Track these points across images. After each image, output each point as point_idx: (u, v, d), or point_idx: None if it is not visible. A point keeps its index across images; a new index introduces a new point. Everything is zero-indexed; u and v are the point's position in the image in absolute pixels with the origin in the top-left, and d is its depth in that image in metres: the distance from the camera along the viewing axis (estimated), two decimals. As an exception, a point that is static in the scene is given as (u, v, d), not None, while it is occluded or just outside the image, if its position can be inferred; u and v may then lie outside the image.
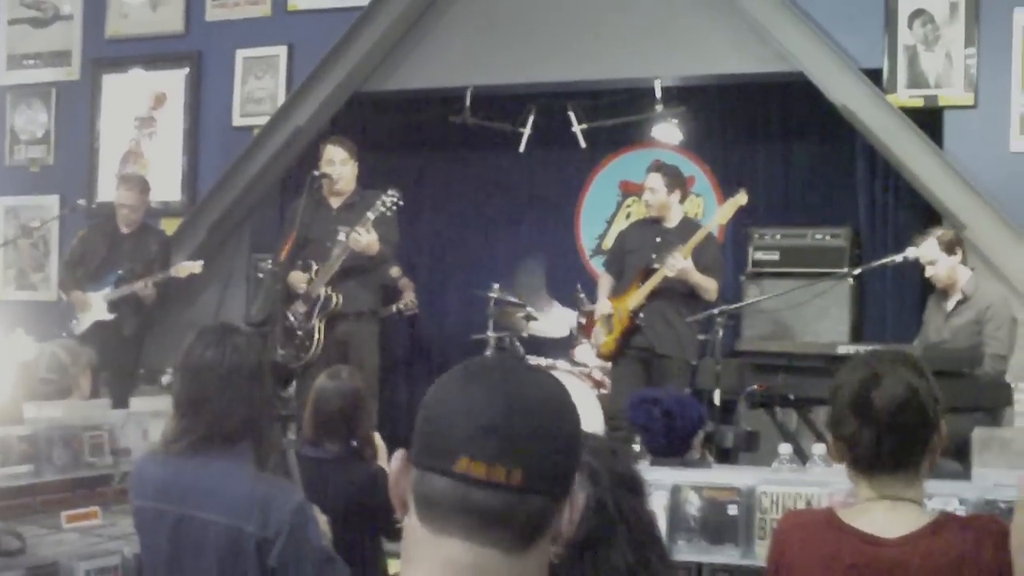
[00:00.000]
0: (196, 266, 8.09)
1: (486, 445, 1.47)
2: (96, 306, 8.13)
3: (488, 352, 8.60)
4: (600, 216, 10.03)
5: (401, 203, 7.29)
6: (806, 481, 3.72)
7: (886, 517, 2.63)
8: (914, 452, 2.65)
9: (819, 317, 8.15)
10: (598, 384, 8.20)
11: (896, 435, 2.62)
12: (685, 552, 3.69)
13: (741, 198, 7.48)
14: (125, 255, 8.27)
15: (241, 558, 3.18)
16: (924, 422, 2.63)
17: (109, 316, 8.10)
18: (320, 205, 7.59)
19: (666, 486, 3.69)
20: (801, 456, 5.20)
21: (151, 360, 8.34)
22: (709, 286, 7.35)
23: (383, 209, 7.17)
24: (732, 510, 3.61)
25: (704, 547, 3.66)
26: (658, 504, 3.54)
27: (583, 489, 1.88)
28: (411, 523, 1.55)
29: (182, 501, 3.27)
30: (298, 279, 7.44)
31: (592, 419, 7.59)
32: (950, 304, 6.90)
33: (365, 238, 7.18)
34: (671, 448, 4.43)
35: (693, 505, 3.65)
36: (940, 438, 2.66)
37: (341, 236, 7.31)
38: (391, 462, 1.60)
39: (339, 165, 7.48)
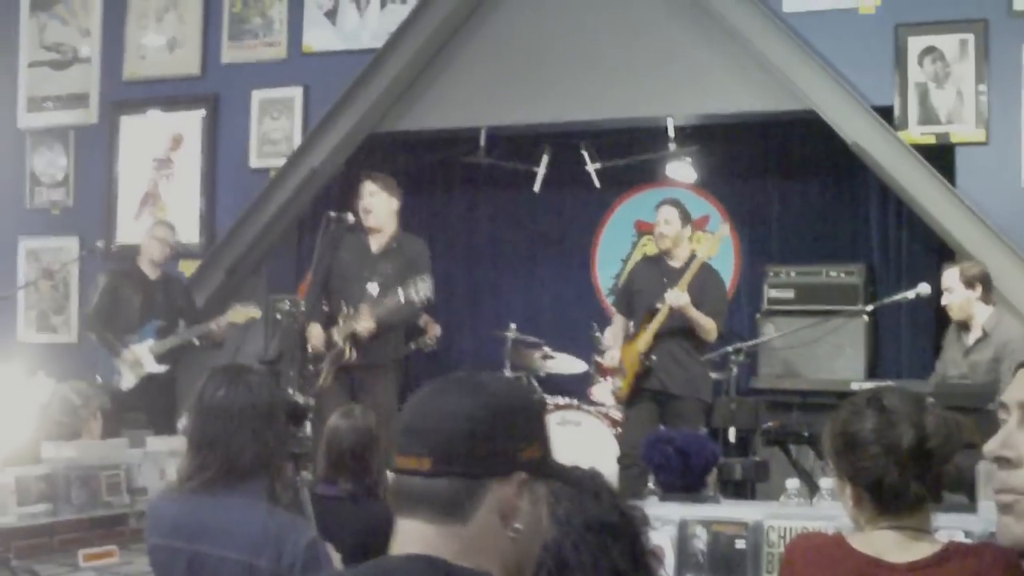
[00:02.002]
0: (255, 310, 8.04)
1: (403, 442, 1.86)
2: (146, 360, 7.98)
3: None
4: (616, 255, 10.02)
5: (431, 297, 7.03)
6: (813, 515, 3.74)
7: (895, 545, 2.64)
8: (937, 486, 2.66)
9: (834, 354, 8.13)
10: (615, 423, 8.19)
11: (922, 472, 2.63)
12: (694, 587, 3.71)
13: (724, 230, 7.70)
14: (159, 303, 8.21)
15: (254, 594, 3.22)
16: (946, 457, 2.65)
17: (161, 368, 8.00)
18: (357, 242, 7.45)
19: (674, 521, 3.71)
20: (815, 491, 5.21)
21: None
22: (708, 325, 7.33)
23: (414, 297, 6.90)
24: (740, 544, 3.64)
25: (713, 582, 3.68)
26: (665, 539, 3.57)
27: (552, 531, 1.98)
28: None
29: (196, 538, 3.31)
30: (315, 335, 7.25)
31: (608, 458, 7.59)
32: (970, 340, 6.87)
33: (367, 331, 7.11)
34: (686, 486, 4.45)
35: (701, 540, 3.67)
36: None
37: (371, 288, 7.21)
38: None
39: (368, 197, 7.36)
